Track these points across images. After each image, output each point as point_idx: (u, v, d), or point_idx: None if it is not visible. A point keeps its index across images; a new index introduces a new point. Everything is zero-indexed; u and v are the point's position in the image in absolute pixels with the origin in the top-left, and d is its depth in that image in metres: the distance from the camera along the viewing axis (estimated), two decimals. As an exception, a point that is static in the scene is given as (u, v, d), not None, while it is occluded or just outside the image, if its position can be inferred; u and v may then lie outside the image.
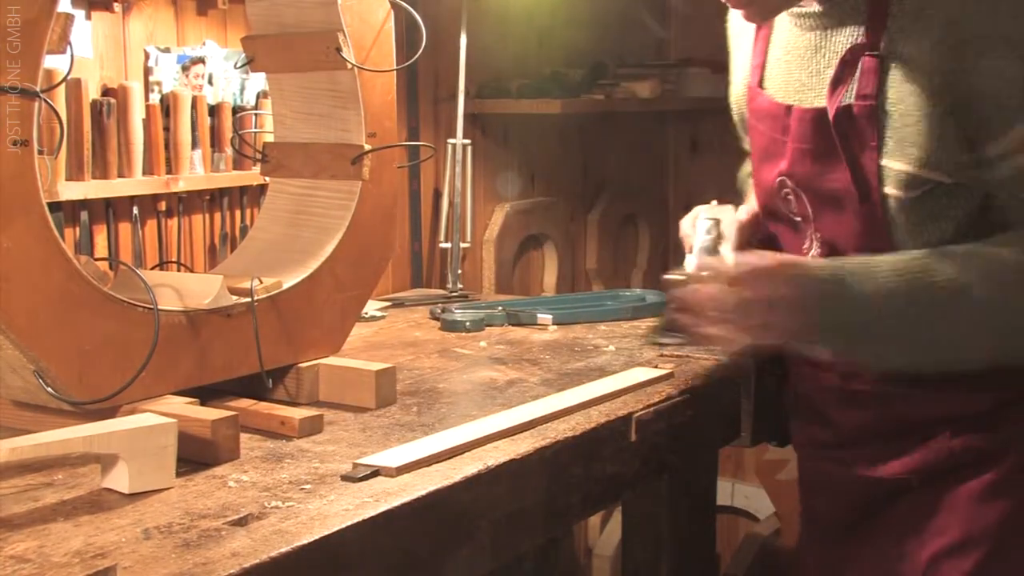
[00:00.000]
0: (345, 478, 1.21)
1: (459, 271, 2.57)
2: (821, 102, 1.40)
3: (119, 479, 1.17)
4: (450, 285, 2.56)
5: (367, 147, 1.56)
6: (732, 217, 1.68)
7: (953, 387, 1.39)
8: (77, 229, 1.90)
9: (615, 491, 1.53)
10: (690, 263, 1.68)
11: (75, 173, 1.85)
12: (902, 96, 1.33)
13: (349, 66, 1.52)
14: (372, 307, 2.19)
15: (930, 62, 1.30)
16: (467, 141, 2.57)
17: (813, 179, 1.43)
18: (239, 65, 2.01)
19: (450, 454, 1.29)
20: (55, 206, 1.80)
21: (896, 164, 1.34)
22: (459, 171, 2.56)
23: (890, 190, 1.36)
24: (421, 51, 1.61)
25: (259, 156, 1.66)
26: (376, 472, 1.22)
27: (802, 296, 1.31)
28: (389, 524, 1.13)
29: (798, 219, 1.49)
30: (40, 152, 1.20)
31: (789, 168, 1.46)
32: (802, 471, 1.66)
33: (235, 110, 2.12)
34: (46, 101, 1.20)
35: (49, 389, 1.24)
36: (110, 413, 1.28)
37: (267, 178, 1.68)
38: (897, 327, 1.32)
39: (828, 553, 1.56)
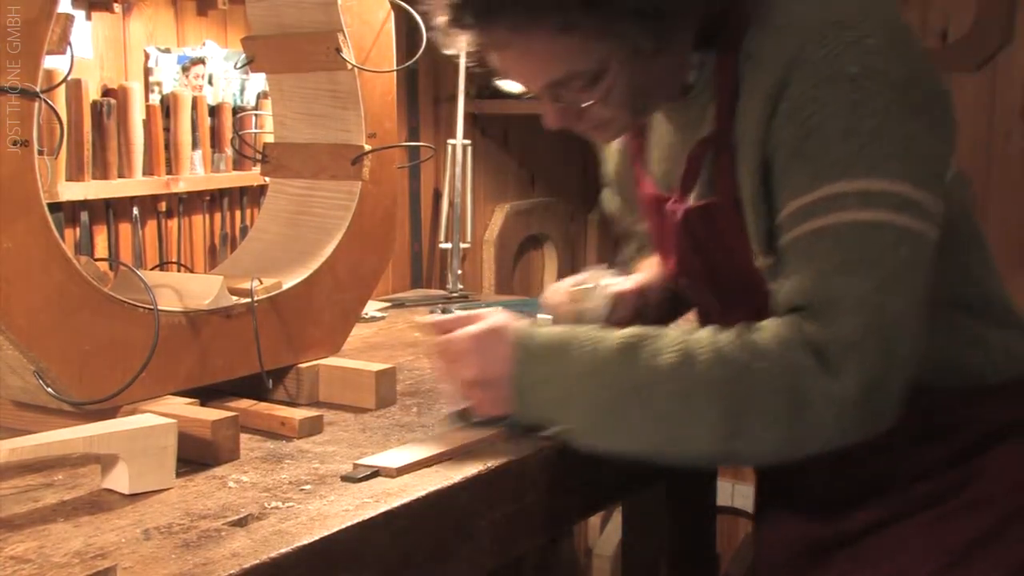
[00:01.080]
0: (345, 479, 1.21)
1: (459, 271, 2.57)
2: (703, 198, 1.34)
3: (119, 479, 1.17)
4: (450, 285, 2.56)
5: (367, 147, 1.56)
6: (602, 290, 1.61)
7: (899, 442, 1.30)
8: (77, 229, 1.90)
9: (615, 492, 1.53)
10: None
11: (75, 173, 1.86)
12: (747, 183, 1.26)
13: (349, 67, 1.52)
14: (372, 307, 2.19)
15: (759, 134, 1.23)
16: (467, 141, 2.57)
17: (709, 274, 1.38)
18: (239, 65, 2.01)
19: (450, 455, 1.29)
20: (55, 206, 1.80)
21: (761, 257, 1.28)
22: (459, 171, 2.56)
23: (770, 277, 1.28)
24: (421, 52, 1.61)
25: (259, 156, 1.66)
26: (376, 472, 1.23)
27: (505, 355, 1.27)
28: (389, 524, 1.13)
29: (708, 312, 1.44)
30: (40, 152, 1.20)
31: (680, 265, 1.41)
32: (755, 522, 1.59)
33: (235, 110, 2.13)
34: (46, 101, 1.20)
35: (49, 389, 1.24)
36: (110, 413, 1.28)
37: (267, 178, 1.68)
38: (594, 403, 1.24)
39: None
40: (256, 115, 2.12)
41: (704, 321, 1.48)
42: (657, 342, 1.22)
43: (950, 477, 1.34)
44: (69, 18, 1.21)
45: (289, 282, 1.50)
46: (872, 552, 1.37)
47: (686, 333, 1.24)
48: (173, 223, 2.06)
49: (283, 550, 1.03)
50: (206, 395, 1.39)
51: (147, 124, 1.97)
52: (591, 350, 1.24)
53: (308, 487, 1.19)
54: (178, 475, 1.21)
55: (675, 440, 1.21)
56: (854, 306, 1.17)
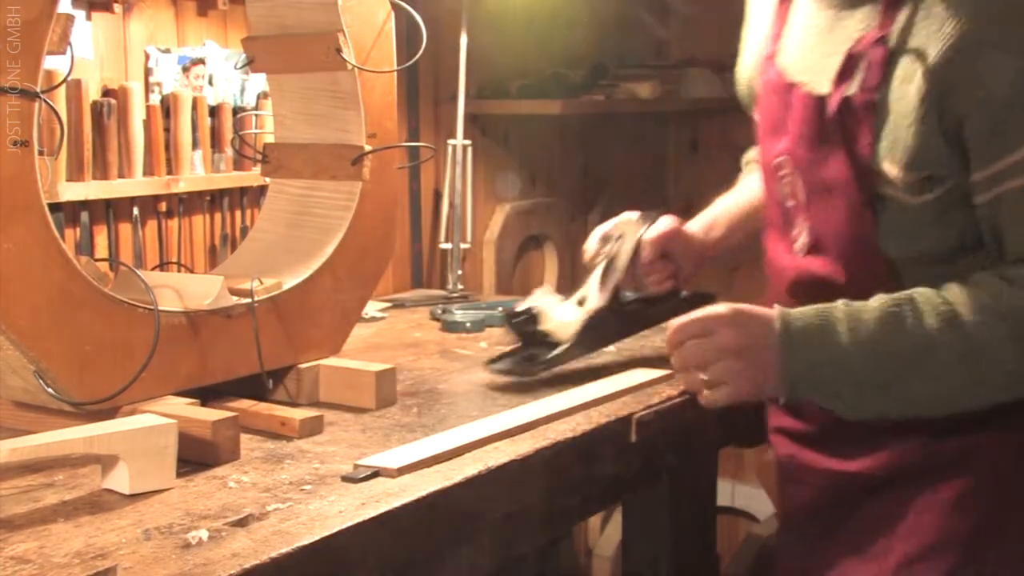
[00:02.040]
0: (345, 479, 1.21)
1: (459, 272, 2.57)
2: (825, 88, 1.37)
3: (119, 480, 1.17)
4: (450, 286, 2.56)
5: (367, 148, 1.56)
6: (635, 235, 1.69)
7: None
8: (77, 230, 1.90)
9: (615, 492, 1.53)
10: (592, 290, 1.69)
11: (75, 174, 1.86)
12: (903, 94, 1.30)
13: (349, 67, 1.52)
14: (372, 308, 2.19)
15: (935, 65, 1.26)
16: (467, 142, 2.57)
17: (810, 165, 1.41)
18: (239, 66, 2.01)
19: (451, 455, 1.29)
20: (55, 207, 1.80)
21: (888, 164, 1.31)
22: (459, 172, 2.56)
23: (883, 190, 1.33)
24: (421, 52, 1.61)
25: (259, 157, 1.66)
26: (376, 473, 1.23)
27: (770, 344, 1.32)
28: (389, 525, 1.13)
29: (791, 204, 1.46)
30: (40, 153, 1.20)
31: (789, 148, 1.43)
32: (777, 462, 1.62)
33: (235, 111, 2.12)
34: (46, 102, 1.20)
35: (49, 390, 1.24)
36: (110, 414, 1.28)
37: (267, 179, 1.68)
38: (869, 378, 1.31)
39: (804, 553, 1.53)
40: (256, 115, 2.11)
41: (778, 212, 1.50)
42: (917, 307, 1.29)
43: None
44: (69, 18, 1.21)
45: (289, 282, 1.50)
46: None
47: (936, 294, 1.30)
48: (173, 223, 2.06)
49: (283, 550, 1.03)
50: (206, 395, 1.39)
51: (147, 124, 1.97)
52: (853, 328, 1.30)
53: (308, 487, 1.19)
54: (178, 475, 1.21)
55: (952, 401, 1.31)
56: None
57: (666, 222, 1.72)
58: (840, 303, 1.34)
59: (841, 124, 1.35)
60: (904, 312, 1.30)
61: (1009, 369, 1.28)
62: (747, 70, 1.62)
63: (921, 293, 1.31)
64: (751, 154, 1.80)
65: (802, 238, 1.45)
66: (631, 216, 1.73)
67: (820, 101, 1.38)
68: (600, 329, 1.68)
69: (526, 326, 1.64)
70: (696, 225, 1.78)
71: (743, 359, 1.34)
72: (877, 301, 1.32)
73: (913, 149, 1.29)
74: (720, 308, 1.37)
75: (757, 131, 1.57)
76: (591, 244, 1.74)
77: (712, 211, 1.80)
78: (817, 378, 1.33)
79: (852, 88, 1.34)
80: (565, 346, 1.65)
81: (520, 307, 1.65)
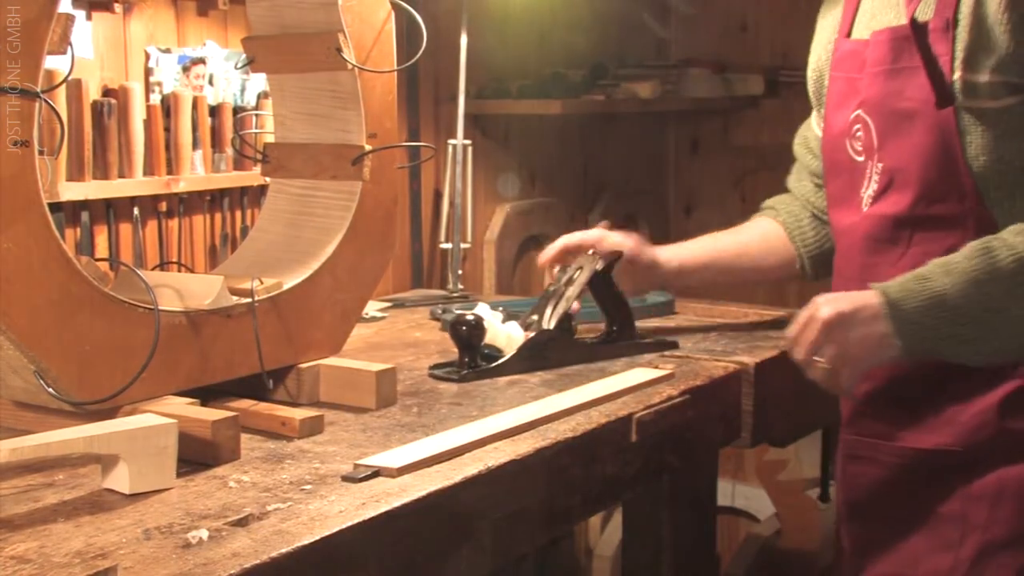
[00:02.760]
0: (346, 479, 1.21)
1: (459, 272, 2.57)
2: (899, 21, 1.43)
3: (120, 479, 1.17)
4: (450, 286, 2.56)
5: (367, 148, 1.56)
6: (590, 270, 1.78)
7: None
8: (78, 230, 1.90)
9: (615, 491, 1.53)
10: (542, 313, 1.78)
11: (76, 174, 1.86)
12: (977, 5, 1.35)
13: (349, 67, 1.52)
14: (372, 307, 2.19)
15: None
16: (467, 142, 2.57)
17: (887, 100, 1.45)
18: (240, 66, 2.01)
19: (451, 455, 1.29)
20: (56, 207, 1.80)
21: (970, 73, 1.36)
22: (459, 171, 2.56)
23: (965, 101, 1.38)
24: (421, 52, 1.61)
25: (260, 157, 1.66)
26: (377, 473, 1.23)
27: (872, 303, 1.37)
28: (390, 525, 1.13)
29: (861, 158, 1.50)
30: (41, 153, 1.20)
31: (863, 97, 1.48)
32: (841, 440, 1.61)
33: (236, 111, 2.12)
34: (46, 102, 1.20)
35: (50, 390, 1.24)
36: (111, 414, 1.28)
37: (268, 179, 1.68)
38: (979, 306, 1.35)
39: (870, 536, 1.51)
40: (257, 115, 2.12)
41: (845, 179, 1.54)
42: (1003, 239, 1.36)
43: None
44: (69, 18, 1.21)
45: (289, 282, 1.50)
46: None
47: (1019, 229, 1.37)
48: (174, 223, 2.06)
49: (284, 550, 1.03)
50: (206, 395, 1.39)
51: (147, 124, 1.97)
52: (947, 271, 1.36)
53: (309, 487, 1.19)
54: (178, 475, 1.21)
55: None
56: None
57: (629, 245, 1.83)
58: (929, 264, 1.39)
59: (919, 45, 1.39)
60: (992, 244, 1.35)
61: None
62: (816, 64, 1.66)
63: (1003, 232, 1.36)
64: (770, 202, 1.87)
65: (872, 187, 1.48)
66: (602, 235, 1.85)
67: (895, 32, 1.43)
68: (543, 351, 1.73)
69: (471, 336, 1.68)
70: (670, 253, 1.87)
71: (851, 327, 1.37)
72: (964, 248, 1.38)
73: (997, 54, 1.34)
74: (815, 298, 1.42)
75: (822, 120, 1.62)
76: (547, 254, 1.86)
77: (697, 245, 1.88)
78: (929, 324, 1.36)
79: (927, 12, 1.40)
80: (504, 359, 1.70)
81: (467, 317, 1.69)
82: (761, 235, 1.84)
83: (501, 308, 1.81)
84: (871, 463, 1.51)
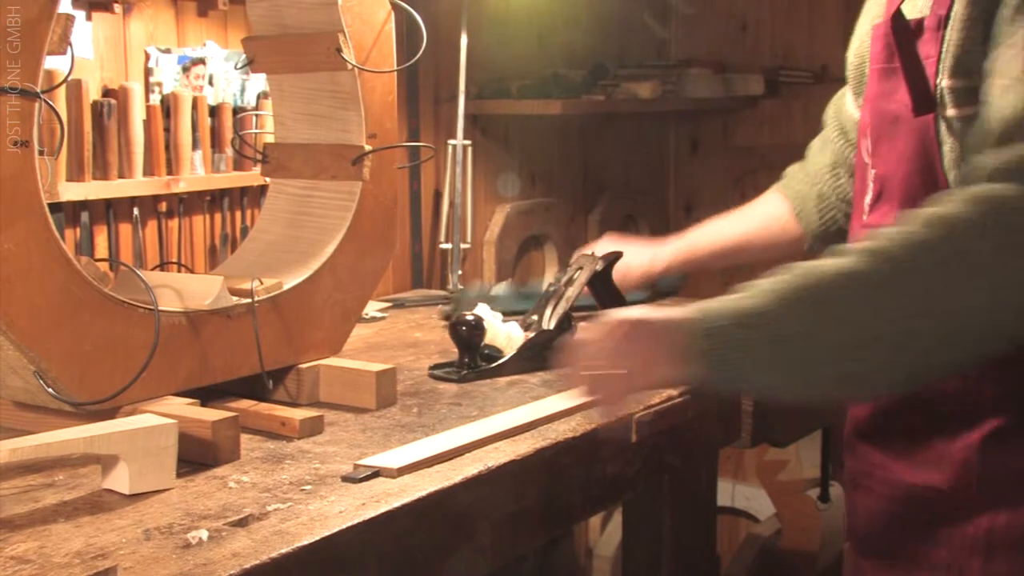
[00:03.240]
0: (346, 479, 1.21)
1: (459, 272, 2.57)
2: (922, 13, 1.29)
3: (120, 480, 1.17)
4: (450, 286, 2.56)
5: (367, 148, 1.56)
6: (590, 270, 1.78)
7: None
8: (78, 230, 1.90)
9: (615, 492, 1.53)
10: (542, 314, 1.80)
11: (76, 174, 1.86)
12: (962, 7, 1.22)
13: (349, 67, 1.52)
14: (372, 308, 2.19)
15: None
16: (467, 142, 2.57)
17: (880, 100, 1.34)
18: (240, 66, 2.01)
19: (451, 455, 1.29)
20: (56, 207, 1.80)
21: (946, 79, 1.22)
22: (459, 172, 2.56)
23: (944, 110, 1.23)
24: (421, 52, 1.61)
25: (260, 157, 1.67)
26: (377, 473, 1.23)
27: (665, 314, 1.12)
28: (390, 525, 1.14)
29: (868, 160, 1.38)
30: (40, 153, 1.20)
31: (866, 95, 1.38)
32: (844, 466, 1.47)
33: (236, 111, 2.12)
34: (46, 102, 1.20)
35: (50, 390, 1.25)
36: (111, 414, 1.28)
37: (267, 179, 1.68)
38: (808, 330, 1.07)
39: (867, 564, 1.39)
40: (256, 115, 2.12)
41: (859, 181, 1.43)
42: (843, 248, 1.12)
43: None
44: (69, 18, 1.21)
45: (289, 282, 1.50)
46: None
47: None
48: (173, 223, 2.06)
49: (283, 550, 1.03)
50: (206, 395, 1.39)
51: (147, 124, 1.97)
52: (774, 278, 1.10)
53: (309, 487, 1.19)
54: (178, 475, 1.21)
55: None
56: None
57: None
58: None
59: (901, 41, 1.27)
60: (834, 249, 1.11)
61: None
62: (858, 51, 1.53)
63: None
64: (789, 170, 1.81)
65: (869, 194, 1.36)
66: (605, 243, 1.84)
67: (889, 26, 1.31)
68: (543, 351, 1.72)
69: (471, 336, 1.69)
70: (665, 257, 1.86)
71: (633, 339, 1.12)
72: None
73: (960, 56, 1.21)
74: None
75: (859, 109, 1.51)
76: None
77: (698, 245, 1.86)
78: (733, 341, 1.06)
79: (923, 8, 1.28)
80: (504, 359, 1.70)
81: (467, 316, 1.70)
82: (765, 223, 1.79)
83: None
84: (867, 493, 1.39)
